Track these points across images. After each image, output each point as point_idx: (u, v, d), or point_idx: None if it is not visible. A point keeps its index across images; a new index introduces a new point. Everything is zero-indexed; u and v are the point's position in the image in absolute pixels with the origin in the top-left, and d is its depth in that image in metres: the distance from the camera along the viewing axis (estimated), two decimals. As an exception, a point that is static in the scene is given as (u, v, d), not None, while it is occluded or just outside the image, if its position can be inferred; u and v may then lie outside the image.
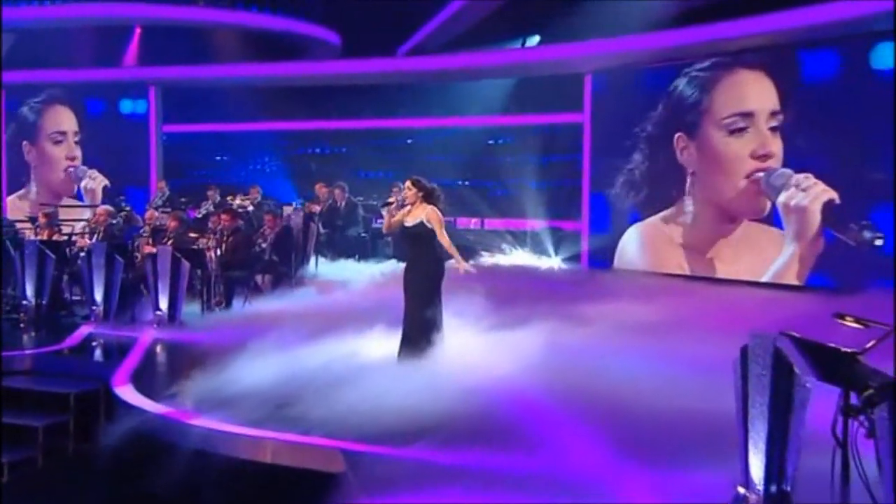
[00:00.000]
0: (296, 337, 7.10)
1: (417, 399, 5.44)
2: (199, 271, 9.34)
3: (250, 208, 12.53)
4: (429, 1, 14.00)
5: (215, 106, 15.25)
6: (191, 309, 9.30)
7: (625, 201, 12.47)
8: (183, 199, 13.17)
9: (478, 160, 14.32)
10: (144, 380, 6.59)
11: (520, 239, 13.51)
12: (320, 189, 12.77)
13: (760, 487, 3.81)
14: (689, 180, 11.69)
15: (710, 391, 4.75)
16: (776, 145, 10.64)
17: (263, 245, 10.71)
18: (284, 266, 10.68)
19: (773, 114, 10.64)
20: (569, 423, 5.23)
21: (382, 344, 6.94)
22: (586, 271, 12.54)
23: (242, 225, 11.37)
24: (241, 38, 15.23)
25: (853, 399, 3.55)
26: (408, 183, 6.86)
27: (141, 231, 10.91)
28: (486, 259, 13.00)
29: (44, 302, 9.34)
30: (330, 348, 6.88)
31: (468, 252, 13.00)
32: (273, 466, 5.13)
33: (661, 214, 12.11)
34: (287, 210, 12.04)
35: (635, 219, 12.43)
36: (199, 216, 12.52)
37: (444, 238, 6.73)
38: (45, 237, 10.38)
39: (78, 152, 16.03)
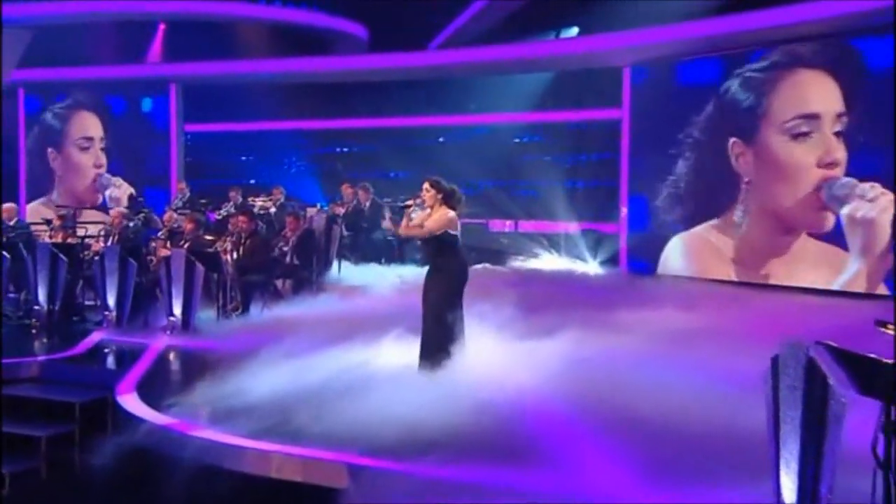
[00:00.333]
0: (311, 345, 7.06)
1: (431, 411, 5.37)
2: (214, 275, 9.37)
3: (272, 210, 12.58)
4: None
5: (239, 104, 15.34)
6: (207, 314, 9.35)
7: (671, 210, 12.21)
8: (203, 201, 13.24)
9: (511, 159, 14.22)
10: (150, 389, 6.60)
11: (554, 242, 13.38)
12: (346, 190, 12.76)
13: (793, 510, 3.67)
14: (743, 189, 11.37)
15: (750, 405, 4.60)
16: (842, 152, 10.32)
17: (285, 248, 10.73)
18: (306, 270, 10.68)
19: (839, 116, 10.32)
20: (592, 438, 5.10)
21: (400, 353, 6.88)
22: (624, 276, 12.36)
23: (263, 227, 11.43)
24: (264, 32, 15.29)
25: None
26: (426, 184, 6.79)
27: (159, 234, 11.00)
28: (520, 263, 12.93)
29: (56, 307, 9.48)
30: (344, 357, 6.83)
31: (501, 256, 13.02)
32: (278, 481, 5.08)
33: (710, 224, 11.83)
34: (310, 212, 12.04)
35: (678, 228, 12.18)
36: (220, 218, 12.59)
37: (430, 226, 6.62)
38: (59, 240, 10.53)
39: (104, 160, 16.28)
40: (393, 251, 12.35)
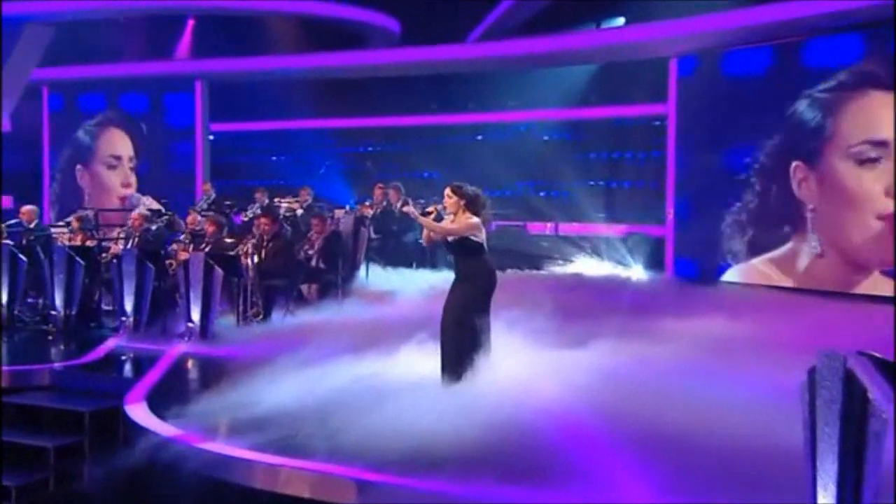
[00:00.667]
0: (330, 353, 7.05)
1: (449, 425, 5.29)
2: (235, 280, 9.39)
3: (299, 211, 12.62)
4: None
5: (266, 102, 15.44)
6: (227, 321, 9.38)
7: (726, 238, 11.89)
8: (228, 202, 13.34)
9: (550, 158, 14.09)
10: (159, 398, 6.60)
11: (596, 246, 13.23)
12: (376, 191, 12.75)
13: (830, 536, 3.52)
14: (807, 218, 11.01)
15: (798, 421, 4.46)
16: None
17: (310, 252, 10.73)
18: (331, 274, 10.67)
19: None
20: (620, 457, 4.97)
21: (424, 363, 6.81)
22: (671, 282, 12.19)
23: (288, 230, 11.45)
24: (292, 27, 15.36)
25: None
26: (447, 190, 6.71)
27: (181, 236, 11.07)
28: (559, 268, 12.82)
29: (73, 312, 9.59)
30: (364, 367, 6.80)
31: (539, 260, 12.91)
32: (286, 496, 5.05)
33: (768, 256, 11.49)
34: (338, 213, 12.05)
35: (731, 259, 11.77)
36: (246, 220, 12.66)
37: (447, 228, 6.57)
38: (77, 242, 10.65)
39: (133, 179, 16.50)
40: (424, 255, 12.30)
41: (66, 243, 10.50)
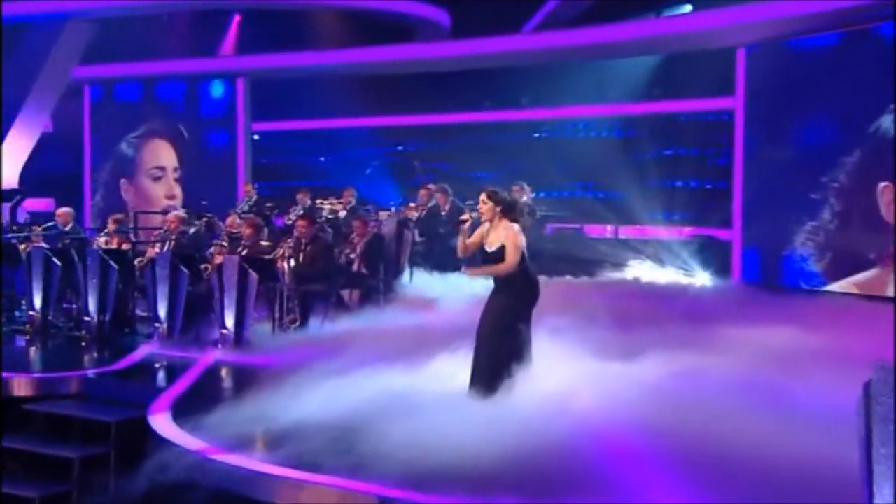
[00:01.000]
0: (366, 362, 7.03)
1: (481, 439, 5.24)
2: (271, 284, 9.42)
3: (342, 213, 12.64)
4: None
5: (310, 100, 15.52)
6: (264, 327, 9.42)
7: (808, 259, 11.60)
8: (269, 204, 13.42)
9: (609, 156, 13.91)
10: (185, 408, 6.63)
11: (658, 250, 13.01)
12: (421, 192, 12.70)
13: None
14: None
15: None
16: None
17: (352, 255, 10.72)
18: (373, 279, 10.65)
19: None
20: (664, 476, 4.85)
21: (463, 374, 6.73)
22: (738, 288, 11.93)
23: (329, 232, 11.47)
24: (337, 21, 15.44)
25: None
26: (482, 196, 6.62)
27: (219, 239, 11.14)
28: (618, 273, 12.63)
29: (107, 318, 9.72)
30: (400, 378, 6.74)
31: (596, 266, 12.72)
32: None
33: (853, 279, 11.17)
34: (382, 215, 12.04)
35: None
36: (288, 223, 12.72)
37: (509, 260, 6.42)
38: (113, 246, 10.80)
39: (178, 190, 16.79)
40: (475, 259, 12.19)
41: (102, 247, 10.65)
